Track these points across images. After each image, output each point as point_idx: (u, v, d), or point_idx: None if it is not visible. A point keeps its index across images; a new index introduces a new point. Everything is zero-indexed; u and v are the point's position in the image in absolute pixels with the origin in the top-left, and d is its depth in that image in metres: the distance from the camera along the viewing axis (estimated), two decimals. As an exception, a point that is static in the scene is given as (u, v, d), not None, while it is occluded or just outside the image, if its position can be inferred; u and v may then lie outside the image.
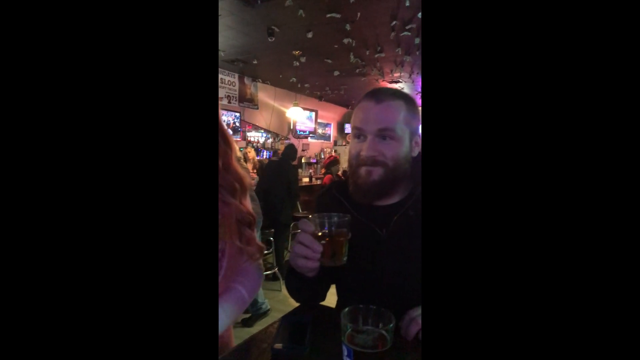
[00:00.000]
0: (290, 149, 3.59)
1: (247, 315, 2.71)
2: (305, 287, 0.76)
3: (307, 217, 0.69)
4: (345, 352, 0.49)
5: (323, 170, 5.48)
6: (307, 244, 0.64)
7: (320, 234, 0.65)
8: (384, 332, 0.49)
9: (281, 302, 3.00)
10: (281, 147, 4.57)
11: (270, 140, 6.28)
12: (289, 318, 0.72)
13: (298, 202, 4.31)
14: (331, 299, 0.85)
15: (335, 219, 0.66)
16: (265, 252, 3.28)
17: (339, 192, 0.87)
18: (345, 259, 0.67)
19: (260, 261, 0.87)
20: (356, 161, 0.79)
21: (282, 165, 3.48)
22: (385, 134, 0.76)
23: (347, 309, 0.52)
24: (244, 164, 2.87)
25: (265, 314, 2.73)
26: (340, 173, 4.78)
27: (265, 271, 3.31)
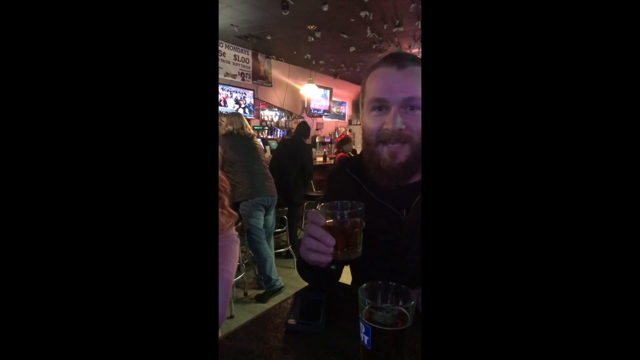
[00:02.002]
0: (303, 127, 3.52)
1: (261, 292, 2.76)
2: (318, 275, 0.72)
3: (316, 207, 0.64)
4: (362, 329, 0.46)
5: (336, 150, 5.42)
6: (318, 237, 0.58)
7: (332, 225, 0.59)
8: (403, 309, 0.46)
9: (295, 279, 3.03)
10: (294, 125, 4.51)
11: (284, 119, 6.21)
12: (303, 294, 0.70)
13: (312, 181, 4.30)
14: (345, 277, 0.82)
15: (348, 208, 0.60)
16: (279, 230, 3.31)
17: (354, 172, 0.79)
18: (360, 250, 0.61)
19: (234, 230, 0.89)
20: (376, 138, 0.70)
21: (295, 143, 3.42)
22: (412, 103, 0.67)
23: (365, 285, 0.49)
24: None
25: (279, 290, 2.77)
26: (351, 152, 4.71)
27: (279, 249, 3.33)
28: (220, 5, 3.51)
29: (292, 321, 0.59)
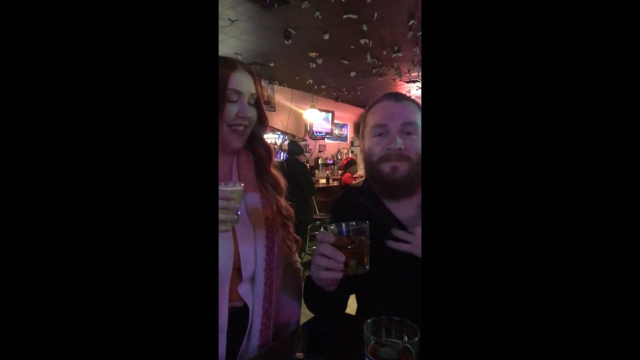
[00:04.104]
0: (292, 146, 3.56)
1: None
2: (326, 301, 0.75)
3: (321, 229, 0.69)
4: None
5: (340, 172, 5.46)
6: (329, 255, 0.63)
7: (340, 244, 0.64)
8: (408, 345, 0.48)
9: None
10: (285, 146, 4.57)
11: (287, 142, 6.30)
12: (309, 325, 0.72)
13: (316, 203, 4.31)
14: (351, 303, 0.83)
15: (354, 225, 0.65)
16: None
17: (362, 197, 0.86)
18: (367, 266, 0.66)
19: (297, 257, 0.96)
20: (378, 158, 0.79)
21: (288, 163, 3.45)
22: (409, 128, 0.78)
23: (369, 320, 0.51)
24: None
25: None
26: (357, 175, 4.75)
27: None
28: (225, 37, 3.65)
29: (300, 355, 0.60)
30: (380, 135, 0.80)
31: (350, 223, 0.65)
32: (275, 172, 0.90)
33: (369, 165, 0.82)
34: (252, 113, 0.80)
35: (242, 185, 0.67)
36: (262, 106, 0.84)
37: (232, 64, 0.80)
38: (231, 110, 0.76)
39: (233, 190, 0.64)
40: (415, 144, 0.78)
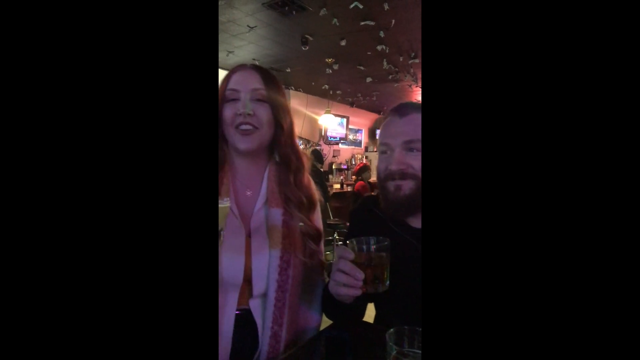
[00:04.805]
0: (315, 154, 3.57)
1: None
2: (343, 312, 0.75)
3: (334, 235, 0.68)
4: None
5: (354, 178, 5.45)
6: (348, 272, 0.62)
7: (360, 260, 0.63)
8: None
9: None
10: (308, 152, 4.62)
11: (301, 147, 6.32)
12: (328, 333, 0.72)
13: (329, 209, 4.31)
14: (369, 312, 0.83)
15: (375, 243, 0.64)
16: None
17: (375, 206, 0.85)
18: (387, 283, 0.64)
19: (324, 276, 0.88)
20: (384, 175, 0.79)
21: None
22: (411, 146, 0.76)
23: (392, 330, 0.51)
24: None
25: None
26: (371, 181, 4.72)
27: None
28: (243, 43, 3.72)
29: (319, 363, 0.61)
30: (384, 153, 0.80)
31: (370, 239, 0.64)
32: (308, 185, 0.83)
33: (378, 180, 0.82)
34: (258, 111, 0.74)
35: (227, 202, 0.64)
36: (283, 107, 0.79)
37: (234, 69, 0.78)
38: (231, 110, 0.74)
39: None
40: (420, 160, 0.76)
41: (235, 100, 0.74)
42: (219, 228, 0.60)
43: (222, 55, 4.12)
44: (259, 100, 0.75)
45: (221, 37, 3.53)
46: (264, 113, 0.75)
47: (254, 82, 0.75)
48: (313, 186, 0.84)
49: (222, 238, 0.61)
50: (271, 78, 0.78)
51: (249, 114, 0.73)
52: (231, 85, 0.75)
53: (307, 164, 0.83)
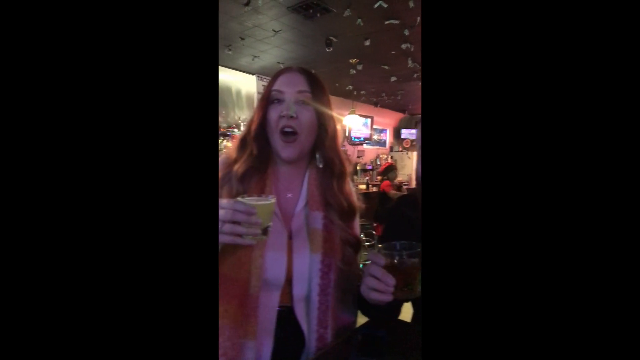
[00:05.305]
0: None
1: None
2: (378, 312, 0.75)
3: (377, 249, 0.67)
4: None
5: (379, 178, 5.40)
6: (379, 277, 0.61)
7: (391, 266, 0.62)
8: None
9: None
10: None
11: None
12: (364, 330, 0.73)
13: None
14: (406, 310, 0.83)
15: (407, 249, 0.63)
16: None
17: (410, 209, 0.84)
18: (419, 290, 0.63)
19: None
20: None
21: None
22: None
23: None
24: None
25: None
26: (398, 181, 4.67)
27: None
28: (268, 47, 3.78)
29: (356, 360, 0.62)
30: None
31: (403, 244, 0.64)
32: (350, 191, 0.81)
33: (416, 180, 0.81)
34: (302, 114, 0.74)
35: (273, 198, 0.63)
36: (328, 111, 0.77)
37: (280, 71, 0.79)
38: (275, 111, 0.74)
39: (256, 204, 0.59)
40: None
41: (279, 101, 0.75)
42: (267, 224, 0.60)
43: (247, 60, 4.21)
44: (303, 103, 0.75)
45: (247, 42, 3.61)
46: (307, 116, 0.74)
47: (300, 85, 0.75)
48: (354, 193, 0.83)
49: (268, 235, 0.61)
50: (317, 81, 0.78)
51: (292, 117, 0.72)
52: (276, 86, 0.75)
53: (349, 168, 0.82)
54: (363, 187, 5.86)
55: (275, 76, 0.78)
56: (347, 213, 0.79)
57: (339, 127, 0.81)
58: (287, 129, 0.73)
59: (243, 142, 0.77)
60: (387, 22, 3.09)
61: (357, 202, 0.82)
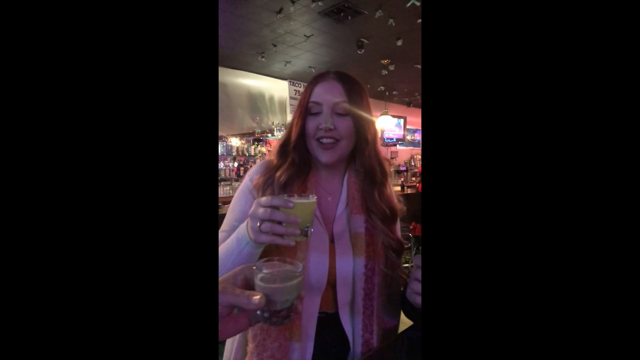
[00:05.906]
0: None
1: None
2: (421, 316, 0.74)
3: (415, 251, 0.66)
4: None
5: (414, 179, 5.30)
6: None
7: None
8: None
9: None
10: None
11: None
12: (409, 333, 0.72)
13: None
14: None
15: None
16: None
17: None
18: None
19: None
20: None
21: None
22: None
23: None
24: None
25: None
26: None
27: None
28: (299, 52, 3.84)
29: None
30: None
31: None
32: (390, 195, 0.81)
33: None
34: (340, 124, 0.73)
35: (314, 198, 0.61)
36: (366, 118, 0.76)
37: (316, 79, 0.78)
38: (313, 123, 0.74)
39: (296, 201, 0.56)
40: None
41: (317, 114, 0.74)
42: (306, 224, 0.59)
43: (279, 66, 4.29)
44: (341, 114, 0.74)
45: (279, 48, 3.69)
46: (345, 126, 0.74)
47: (336, 95, 0.74)
48: (395, 196, 0.83)
49: (309, 237, 0.61)
50: (354, 88, 0.76)
51: (330, 129, 0.72)
52: (314, 97, 0.75)
53: (390, 170, 0.82)
54: (397, 188, 5.77)
55: (312, 83, 0.78)
56: (389, 217, 0.78)
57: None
58: (325, 140, 0.73)
59: (283, 149, 0.79)
60: (419, 21, 3.04)
61: (398, 204, 0.82)
